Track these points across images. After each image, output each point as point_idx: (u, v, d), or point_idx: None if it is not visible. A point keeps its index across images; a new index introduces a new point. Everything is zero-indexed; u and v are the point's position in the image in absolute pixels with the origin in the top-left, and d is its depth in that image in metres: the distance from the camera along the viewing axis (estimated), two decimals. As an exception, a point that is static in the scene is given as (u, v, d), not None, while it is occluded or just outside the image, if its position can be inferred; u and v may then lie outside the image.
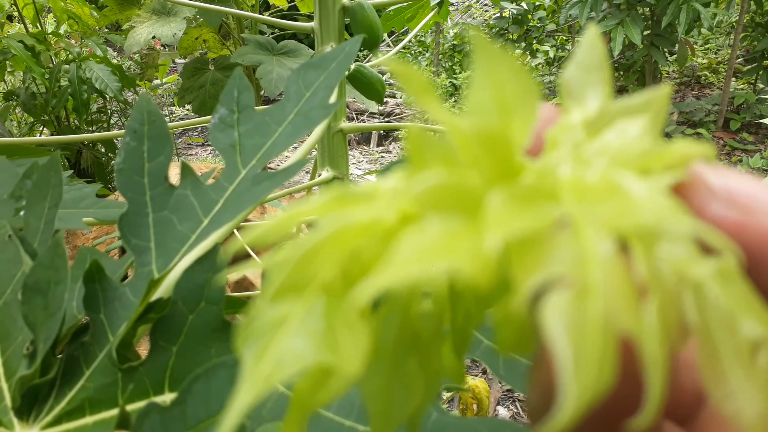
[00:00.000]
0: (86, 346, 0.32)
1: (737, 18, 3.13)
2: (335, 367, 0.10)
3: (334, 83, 0.37)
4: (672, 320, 0.10)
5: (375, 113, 3.83)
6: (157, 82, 3.22)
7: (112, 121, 2.83)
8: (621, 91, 3.39)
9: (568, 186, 0.11)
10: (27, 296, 0.31)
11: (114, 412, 0.31)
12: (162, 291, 0.35)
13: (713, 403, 0.10)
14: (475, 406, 0.96)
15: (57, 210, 0.37)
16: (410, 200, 0.11)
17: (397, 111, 3.89)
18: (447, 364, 0.13)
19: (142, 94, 0.37)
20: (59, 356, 0.33)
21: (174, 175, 0.40)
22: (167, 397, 0.30)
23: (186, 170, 0.36)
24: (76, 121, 2.52)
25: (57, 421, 0.31)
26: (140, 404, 0.31)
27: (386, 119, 3.79)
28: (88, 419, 0.31)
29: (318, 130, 0.78)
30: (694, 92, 3.69)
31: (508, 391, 1.70)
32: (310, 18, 1.16)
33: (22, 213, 0.40)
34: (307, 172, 3.27)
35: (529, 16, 3.79)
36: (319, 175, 1.05)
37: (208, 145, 3.63)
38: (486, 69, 0.12)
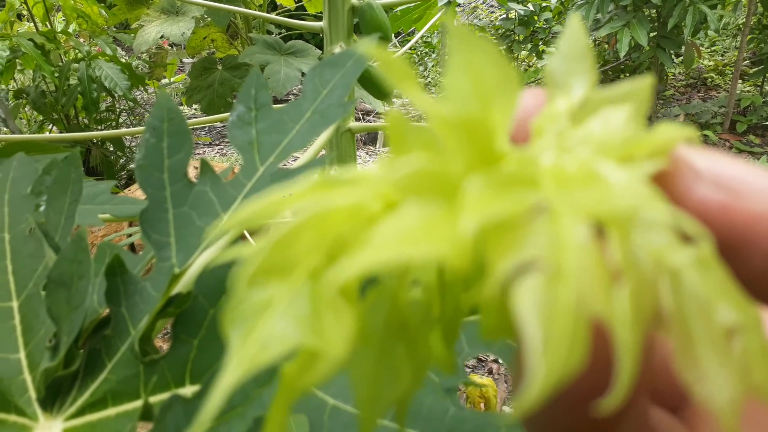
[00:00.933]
0: (108, 339, 0.33)
1: (744, 20, 3.12)
2: (319, 350, 0.10)
3: (350, 81, 0.38)
4: (647, 306, 0.10)
5: (381, 114, 3.83)
6: (165, 81, 3.23)
7: (120, 120, 2.84)
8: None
9: (548, 173, 0.11)
10: (51, 289, 0.32)
11: (136, 404, 0.31)
12: (181, 286, 0.36)
13: (685, 386, 0.10)
14: (482, 405, 0.96)
15: (77, 205, 0.38)
16: (391, 186, 0.11)
17: (404, 112, 3.88)
18: (436, 354, 0.14)
19: (162, 92, 0.38)
20: (81, 350, 0.33)
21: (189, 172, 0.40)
22: (188, 390, 0.31)
23: (205, 167, 0.36)
24: (85, 120, 2.53)
25: (80, 413, 0.31)
26: (162, 396, 0.31)
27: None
28: (111, 411, 0.31)
29: (328, 130, 0.78)
30: (700, 94, 3.69)
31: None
32: (317, 18, 1.16)
33: (41, 209, 0.40)
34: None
35: (536, 18, 3.79)
36: (328, 175, 1.06)
37: (216, 145, 3.64)
38: (463, 56, 0.12)
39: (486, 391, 0.99)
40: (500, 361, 1.69)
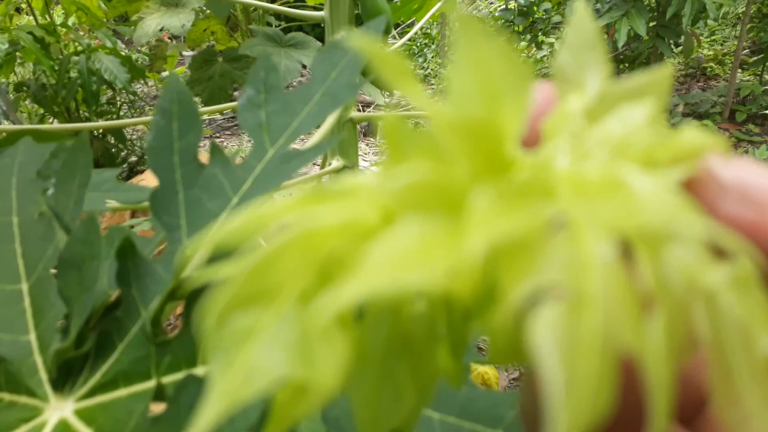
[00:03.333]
0: (119, 320, 0.33)
1: (743, 9, 3.11)
2: (309, 382, 0.09)
3: (359, 63, 0.38)
4: (680, 334, 0.09)
5: (382, 105, 3.83)
6: (165, 74, 3.22)
7: (121, 113, 2.84)
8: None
9: (565, 181, 0.10)
10: (62, 271, 0.32)
11: (147, 384, 0.31)
12: (192, 268, 0.36)
13: (727, 428, 0.09)
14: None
15: (86, 189, 0.38)
16: (389, 197, 0.10)
17: (404, 103, 3.88)
18: (444, 367, 0.12)
19: (172, 74, 0.38)
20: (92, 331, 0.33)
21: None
22: (201, 371, 0.31)
23: (215, 150, 0.36)
24: (86, 113, 2.53)
25: (91, 394, 0.31)
26: (174, 377, 0.31)
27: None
28: (123, 392, 0.31)
29: (330, 119, 0.78)
30: (699, 84, 3.68)
31: (514, 379, 1.70)
32: (316, 9, 1.16)
33: (49, 192, 0.40)
34: (315, 164, 3.27)
35: (535, 8, 3.78)
36: (329, 165, 1.06)
37: (217, 136, 3.64)
38: (469, 49, 0.10)
39: (488, 378, 0.99)
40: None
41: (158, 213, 0.34)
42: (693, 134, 0.11)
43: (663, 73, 0.12)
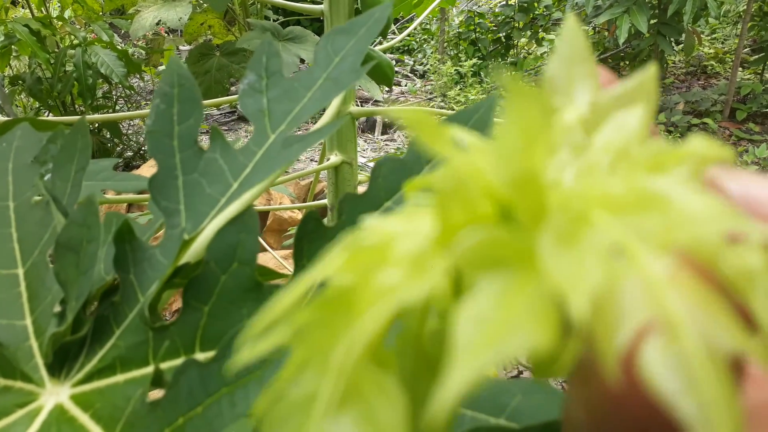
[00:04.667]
0: (116, 306, 0.32)
1: (745, 7, 3.11)
2: None
3: (363, 48, 0.37)
4: None
5: (380, 101, 3.83)
6: (162, 68, 3.21)
7: (117, 108, 2.83)
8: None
9: (597, 204, 0.10)
10: (59, 254, 0.31)
11: (145, 370, 0.31)
12: (189, 256, 0.35)
13: None
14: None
15: (84, 173, 0.37)
16: (457, 260, 0.10)
17: (402, 99, 3.88)
18: None
19: (173, 58, 0.37)
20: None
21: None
22: (199, 357, 0.30)
23: (215, 134, 0.36)
24: (81, 107, 2.52)
25: (88, 379, 0.31)
26: (172, 363, 0.31)
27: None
28: (119, 377, 0.31)
29: (330, 112, 0.78)
30: (700, 82, 3.68)
31: (513, 377, 1.70)
32: (315, 2, 1.15)
33: (46, 178, 0.40)
34: (312, 160, 3.26)
35: (536, 4, 3.77)
36: (328, 159, 1.05)
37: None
38: (515, 114, 0.10)
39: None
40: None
41: (157, 198, 0.34)
42: (699, 143, 0.11)
43: (648, 74, 0.12)
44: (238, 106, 0.36)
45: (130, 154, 2.81)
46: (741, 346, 0.08)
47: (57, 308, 0.33)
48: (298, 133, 0.34)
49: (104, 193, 0.58)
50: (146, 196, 0.73)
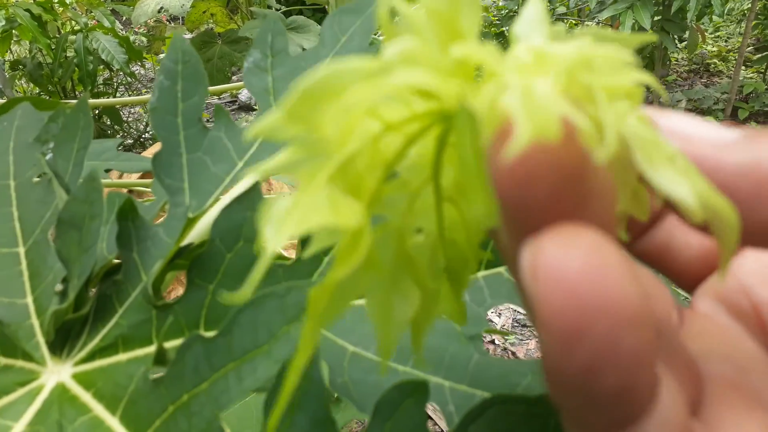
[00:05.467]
0: (119, 284, 0.32)
1: (749, 6, 3.10)
2: (337, 225, 0.11)
3: (370, 28, 0.36)
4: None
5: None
6: (164, 55, 3.19)
7: (118, 94, 2.81)
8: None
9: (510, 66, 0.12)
10: (61, 231, 0.31)
11: (148, 349, 0.30)
12: (192, 236, 0.35)
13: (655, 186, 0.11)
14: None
15: (86, 152, 0.37)
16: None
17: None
18: (446, 306, 0.15)
19: (177, 34, 0.36)
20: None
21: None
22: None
23: (220, 113, 0.35)
24: (82, 93, 2.51)
25: (90, 358, 0.30)
26: (175, 342, 0.30)
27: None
28: (122, 356, 0.30)
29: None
30: (703, 80, 3.67)
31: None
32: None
33: (48, 157, 0.39)
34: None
35: (539, -1, 3.74)
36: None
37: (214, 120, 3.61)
38: None
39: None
40: (497, 342, 1.69)
41: (161, 176, 0.33)
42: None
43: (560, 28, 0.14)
44: (243, 82, 0.36)
45: (130, 141, 2.80)
46: (579, 119, 0.10)
47: (59, 287, 0.33)
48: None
49: (107, 175, 0.57)
50: (147, 181, 0.72)
